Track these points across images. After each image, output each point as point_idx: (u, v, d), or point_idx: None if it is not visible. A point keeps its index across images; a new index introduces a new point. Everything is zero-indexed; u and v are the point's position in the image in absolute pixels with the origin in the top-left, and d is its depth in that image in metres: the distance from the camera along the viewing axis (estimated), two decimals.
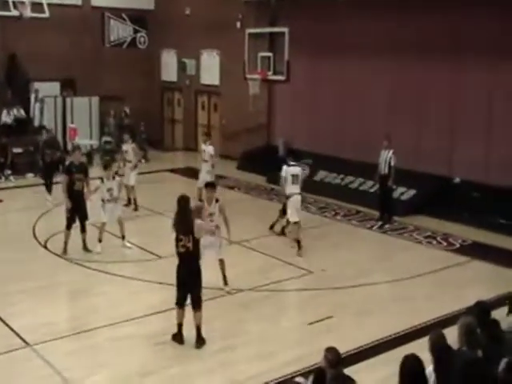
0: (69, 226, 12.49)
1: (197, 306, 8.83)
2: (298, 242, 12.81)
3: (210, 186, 10.96)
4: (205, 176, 15.92)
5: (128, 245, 12.94)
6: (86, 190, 12.70)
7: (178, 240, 8.71)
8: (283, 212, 13.59)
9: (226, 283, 10.81)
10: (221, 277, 10.77)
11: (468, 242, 13.97)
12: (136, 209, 15.97)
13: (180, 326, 8.93)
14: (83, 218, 12.62)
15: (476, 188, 15.68)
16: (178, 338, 8.95)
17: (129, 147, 16.34)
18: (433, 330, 6.54)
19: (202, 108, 25.03)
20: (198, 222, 8.86)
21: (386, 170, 15.19)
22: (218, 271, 11.64)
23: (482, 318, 6.60)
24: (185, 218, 8.69)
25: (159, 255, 12.50)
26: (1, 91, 21.91)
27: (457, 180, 16.43)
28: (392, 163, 15.10)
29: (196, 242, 8.69)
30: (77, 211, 12.53)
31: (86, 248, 12.64)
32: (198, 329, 8.84)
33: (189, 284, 8.77)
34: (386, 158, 15.18)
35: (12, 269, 11.42)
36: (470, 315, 6.71)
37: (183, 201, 8.79)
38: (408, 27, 17.15)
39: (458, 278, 11.69)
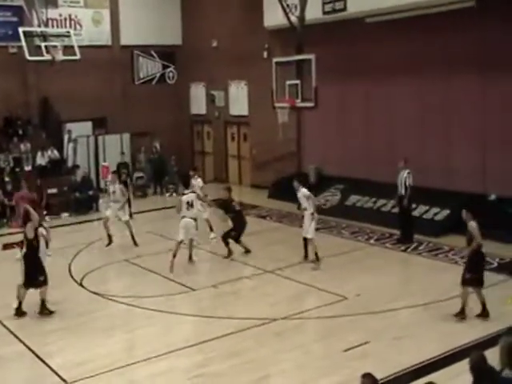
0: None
1: None
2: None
3: None
4: (198, 208, 16.07)
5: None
6: None
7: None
8: None
9: None
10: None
11: (506, 260, 13.69)
12: (136, 244, 15.77)
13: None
14: None
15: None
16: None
17: (116, 188, 16.04)
18: (473, 351, 6.41)
19: (232, 139, 25.22)
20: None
21: (403, 191, 15.17)
22: (252, 302, 11.69)
23: None
24: None
25: (192, 288, 12.53)
26: (35, 134, 22.43)
27: (492, 197, 16.17)
28: (407, 183, 15.05)
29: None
30: None
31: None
32: None
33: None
34: (402, 178, 15.15)
35: (49, 307, 11.51)
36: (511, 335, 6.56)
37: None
38: (434, 48, 17.14)
39: (497, 298, 11.37)
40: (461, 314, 10.46)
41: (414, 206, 15.88)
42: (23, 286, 11.13)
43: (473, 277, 10.35)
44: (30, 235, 11.15)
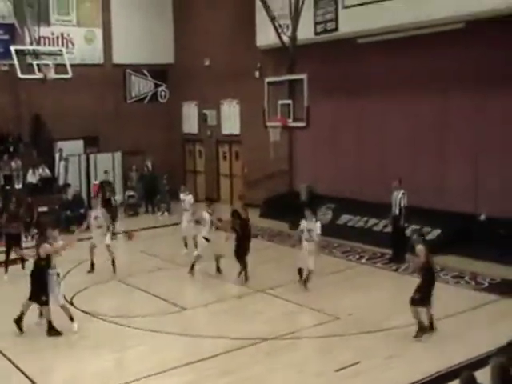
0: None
1: None
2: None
3: None
4: (187, 225, 16.51)
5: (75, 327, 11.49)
6: None
7: None
8: None
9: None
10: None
11: (497, 280, 13.74)
12: (115, 271, 15.05)
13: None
14: None
15: (502, 224, 15.46)
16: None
17: (99, 213, 15.44)
18: (464, 372, 6.41)
19: (224, 158, 25.26)
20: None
21: (397, 211, 15.18)
22: (243, 321, 11.63)
23: None
24: None
25: (183, 307, 12.48)
26: (26, 152, 22.41)
27: (482, 217, 16.24)
28: (402, 203, 15.07)
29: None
30: None
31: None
32: None
33: None
34: (396, 198, 15.18)
35: (39, 326, 11.43)
36: (503, 355, 6.56)
37: None
38: (425, 68, 17.28)
39: (488, 318, 11.47)
40: (421, 332, 10.41)
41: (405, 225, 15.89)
42: (28, 299, 11.12)
43: (420, 297, 10.39)
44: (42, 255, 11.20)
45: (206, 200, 16.29)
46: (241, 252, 14.09)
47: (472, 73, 16.31)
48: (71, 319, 11.34)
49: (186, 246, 16.58)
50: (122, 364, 10.21)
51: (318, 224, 13.30)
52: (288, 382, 9.14)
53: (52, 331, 11.08)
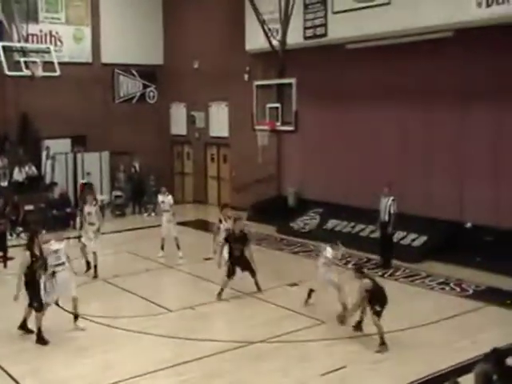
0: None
1: None
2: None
3: None
4: (167, 225, 16.51)
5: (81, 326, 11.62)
6: None
7: None
8: None
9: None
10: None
11: (482, 287, 13.81)
12: (96, 276, 14.77)
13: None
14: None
15: (488, 232, 15.58)
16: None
17: (92, 209, 15.18)
18: (449, 378, 6.46)
19: (212, 160, 25.26)
20: None
21: (386, 218, 15.22)
22: (230, 324, 11.63)
23: (498, 365, 6.50)
24: None
25: (169, 309, 12.45)
26: (12, 150, 22.26)
27: (468, 225, 16.35)
28: (392, 210, 15.12)
29: None
30: None
31: None
32: None
33: None
34: (386, 205, 15.22)
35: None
36: (487, 362, 6.62)
37: None
38: (414, 75, 17.36)
39: (472, 325, 11.53)
40: (383, 346, 10.36)
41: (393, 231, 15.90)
42: (28, 305, 10.96)
43: (381, 309, 10.47)
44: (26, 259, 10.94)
45: (222, 205, 16.63)
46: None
47: (459, 82, 16.40)
48: (77, 315, 11.43)
49: (162, 248, 16.55)
50: (107, 366, 10.13)
51: (342, 249, 12.81)
52: None
53: (40, 340, 10.79)
